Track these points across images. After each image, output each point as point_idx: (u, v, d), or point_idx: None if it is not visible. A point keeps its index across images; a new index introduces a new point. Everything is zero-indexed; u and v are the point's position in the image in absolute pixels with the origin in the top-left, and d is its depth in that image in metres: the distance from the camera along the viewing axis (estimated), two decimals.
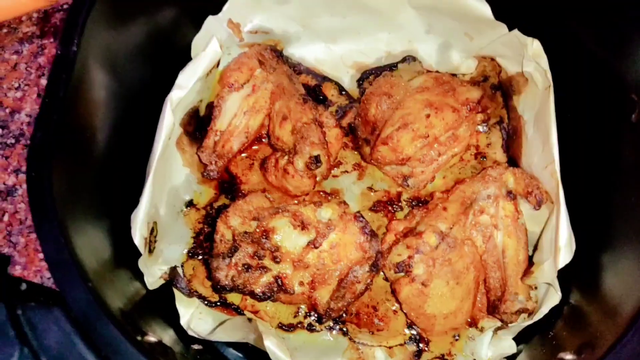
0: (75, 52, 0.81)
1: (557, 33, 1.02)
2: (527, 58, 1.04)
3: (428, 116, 1.03)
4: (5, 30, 1.36)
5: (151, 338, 0.75)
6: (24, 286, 0.67)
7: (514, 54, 1.08)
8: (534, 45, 1.03)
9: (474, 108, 1.05)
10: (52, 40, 1.38)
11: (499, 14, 1.07)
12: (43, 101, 0.76)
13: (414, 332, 1.01)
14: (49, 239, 0.67)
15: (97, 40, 0.88)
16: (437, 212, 1.01)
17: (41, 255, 1.20)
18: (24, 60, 1.36)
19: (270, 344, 0.87)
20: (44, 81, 1.34)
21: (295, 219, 0.96)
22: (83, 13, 0.84)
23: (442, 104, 1.03)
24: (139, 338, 0.69)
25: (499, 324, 0.99)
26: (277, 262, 0.94)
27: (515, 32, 1.06)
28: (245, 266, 0.94)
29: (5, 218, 1.23)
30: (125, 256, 0.93)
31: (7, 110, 1.31)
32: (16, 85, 1.34)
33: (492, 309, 0.98)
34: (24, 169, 1.27)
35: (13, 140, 1.29)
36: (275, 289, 0.94)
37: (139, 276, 0.96)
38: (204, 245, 1.08)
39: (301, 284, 0.95)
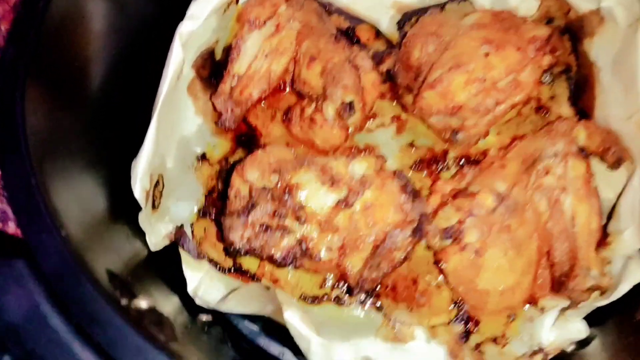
0: None
1: None
2: None
3: (487, 55, 0.87)
4: None
5: (141, 303, 0.61)
6: None
7: None
8: None
9: (542, 47, 0.88)
10: None
11: None
12: (17, 12, 0.63)
13: (461, 310, 0.87)
14: (14, 174, 0.54)
15: None
16: (494, 170, 0.86)
17: None
18: None
19: (291, 317, 0.73)
20: None
21: (323, 174, 0.85)
22: None
23: (504, 41, 0.87)
24: (124, 303, 0.56)
25: (562, 303, 0.84)
26: (301, 223, 0.83)
27: None
28: (264, 226, 0.83)
29: None
30: (125, 212, 0.82)
31: None
32: None
33: (558, 285, 0.83)
34: None
35: None
36: (298, 254, 0.83)
37: (140, 235, 0.84)
38: (217, 204, 0.95)
39: (329, 249, 0.83)
